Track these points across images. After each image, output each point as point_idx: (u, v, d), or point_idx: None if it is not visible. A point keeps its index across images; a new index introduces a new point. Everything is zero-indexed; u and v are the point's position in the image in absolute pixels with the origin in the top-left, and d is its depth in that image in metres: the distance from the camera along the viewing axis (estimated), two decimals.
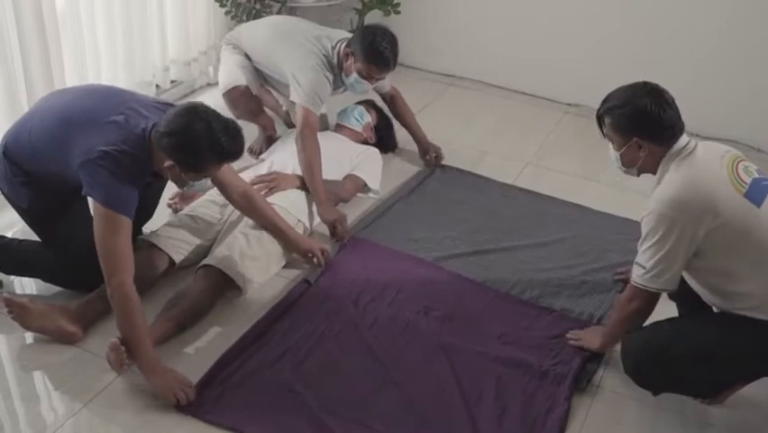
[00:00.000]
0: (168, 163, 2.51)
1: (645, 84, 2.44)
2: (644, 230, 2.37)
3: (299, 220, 3.25)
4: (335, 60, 3.54)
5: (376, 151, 3.88)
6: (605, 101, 2.48)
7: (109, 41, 3.95)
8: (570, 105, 4.73)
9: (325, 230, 3.37)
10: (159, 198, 3.10)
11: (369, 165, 3.75)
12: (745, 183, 2.31)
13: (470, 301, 3.02)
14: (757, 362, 2.37)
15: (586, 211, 3.68)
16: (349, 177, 3.63)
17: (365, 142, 3.91)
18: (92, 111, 2.58)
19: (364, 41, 3.42)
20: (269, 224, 3.04)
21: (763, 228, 2.28)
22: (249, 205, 2.99)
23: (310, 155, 3.38)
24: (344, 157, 3.66)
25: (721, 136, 4.37)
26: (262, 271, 3.01)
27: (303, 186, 3.41)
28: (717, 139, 4.29)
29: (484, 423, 2.47)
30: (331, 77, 3.53)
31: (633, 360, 2.49)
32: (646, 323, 2.53)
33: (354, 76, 3.49)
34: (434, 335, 2.82)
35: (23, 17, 3.31)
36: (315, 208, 3.38)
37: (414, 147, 4.05)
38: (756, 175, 2.37)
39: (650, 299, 2.44)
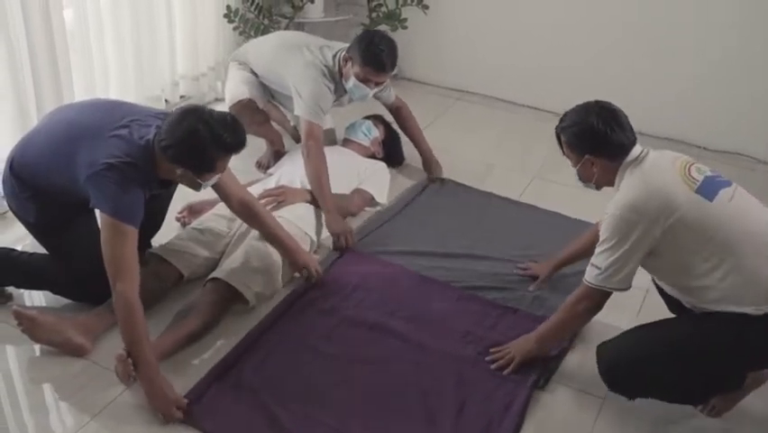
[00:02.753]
0: (179, 171, 2.56)
1: (596, 103, 2.52)
2: (602, 234, 2.43)
3: (306, 234, 3.26)
4: (336, 69, 3.56)
5: (383, 165, 3.90)
6: (561, 120, 2.57)
7: (118, 56, 3.99)
8: None
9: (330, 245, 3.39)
10: (166, 210, 3.12)
11: (376, 179, 3.77)
12: (697, 180, 2.37)
13: (435, 302, 3.06)
14: (730, 356, 2.39)
15: (567, 220, 3.70)
16: (357, 191, 3.65)
17: (372, 157, 3.93)
18: (97, 125, 2.61)
19: (361, 44, 3.44)
20: (268, 232, 3.05)
21: (716, 222, 2.32)
22: (248, 213, 3.00)
23: (317, 166, 3.41)
24: (352, 171, 3.68)
25: (726, 149, 4.43)
26: (270, 283, 3.02)
27: (311, 200, 3.43)
28: (722, 152, 4.39)
29: (442, 418, 2.50)
30: (332, 86, 3.55)
31: (605, 364, 2.54)
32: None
33: (353, 80, 3.50)
34: (398, 334, 2.86)
35: (33, 33, 3.35)
36: (322, 222, 3.40)
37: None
38: (709, 173, 2.42)
39: (601, 299, 2.49)
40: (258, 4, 4.65)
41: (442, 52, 5.14)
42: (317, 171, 3.40)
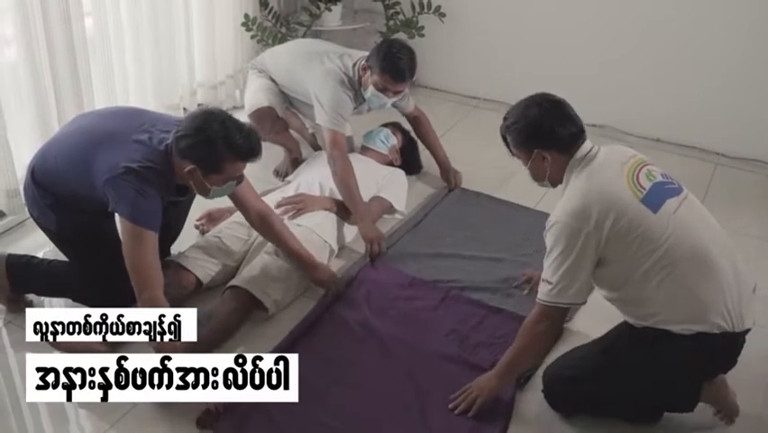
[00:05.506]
0: (188, 168, 2.56)
1: (539, 95, 2.47)
2: (548, 244, 2.35)
3: (326, 241, 3.26)
4: (356, 77, 3.57)
5: (402, 173, 3.90)
6: (504, 119, 2.50)
7: (138, 65, 4.01)
8: (594, 126, 4.70)
9: (353, 249, 3.40)
10: (185, 218, 3.13)
11: (395, 187, 3.77)
12: (644, 188, 2.30)
13: (421, 301, 3.08)
14: (654, 375, 2.36)
15: None
16: (375, 198, 3.64)
17: (390, 165, 3.93)
18: (117, 131, 2.63)
19: (380, 53, 3.45)
20: (284, 246, 3.04)
21: (658, 236, 2.25)
22: (265, 225, 3.00)
23: (345, 175, 3.42)
24: (370, 179, 3.67)
25: (744, 156, 4.38)
26: (289, 291, 3.03)
27: (330, 207, 3.43)
28: (740, 159, 4.35)
29: (433, 418, 2.52)
30: (351, 93, 3.56)
31: (544, 384, 2.57)
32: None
33: (371, 89, 3.51)
34: (386, 334, 2.87)
35: (54, 43, 3.38)
36: (343, 230, 3.42)
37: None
38: (660, 179, 2.35)
39: (559, 317, 2.41)
40: (275, 12, 4.67)
41: (459, 60, 5.14)
42: (346, 180, 3.41)
